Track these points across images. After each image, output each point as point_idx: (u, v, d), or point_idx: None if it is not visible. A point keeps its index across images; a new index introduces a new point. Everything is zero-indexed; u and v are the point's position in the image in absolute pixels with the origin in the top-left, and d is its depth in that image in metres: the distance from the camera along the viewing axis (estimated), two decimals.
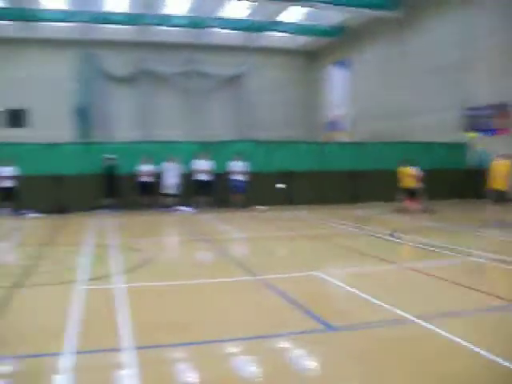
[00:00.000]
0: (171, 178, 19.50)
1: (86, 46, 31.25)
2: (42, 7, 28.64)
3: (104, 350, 5.09)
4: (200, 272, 9.12)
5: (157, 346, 5.20)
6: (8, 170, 18.64)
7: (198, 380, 4.51)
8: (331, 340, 5.41)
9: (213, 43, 32.43)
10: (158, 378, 4.47)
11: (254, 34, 32.99)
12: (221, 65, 32.97)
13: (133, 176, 19.63)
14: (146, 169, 19.73)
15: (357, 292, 7.11)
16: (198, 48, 32.45)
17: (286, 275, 8.34)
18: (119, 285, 7.69)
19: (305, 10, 30.66)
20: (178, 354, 5.14)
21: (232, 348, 5.26)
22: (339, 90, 34.64)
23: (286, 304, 6.68)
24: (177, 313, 6.48)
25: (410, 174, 18.03)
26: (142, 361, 4.74)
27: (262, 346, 5.27)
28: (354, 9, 27.45)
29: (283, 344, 5.35)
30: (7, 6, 27.65)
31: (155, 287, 7.89)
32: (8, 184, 18.51)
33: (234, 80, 34.42)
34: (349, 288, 7.42)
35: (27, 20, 29.03)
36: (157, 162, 19.76)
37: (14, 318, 6.31)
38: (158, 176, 19.71)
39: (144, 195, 19.69)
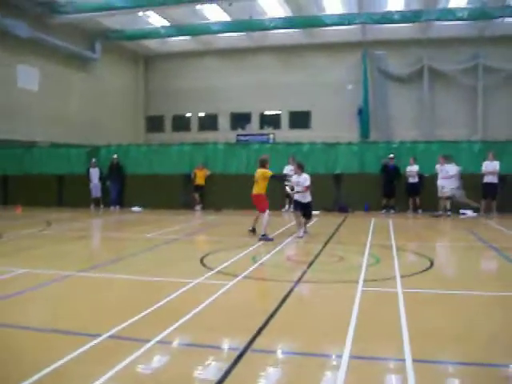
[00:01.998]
0: (447, 179, 18.52)
1: (367, 47, 31.61)
2: (322, 13, 29.71)
3: (377, 358, 4.93)
4: (482, 282, 8.44)
5: (434, 362, 4.86)
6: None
7: None
8: None
9: (497, 35, 29.96)
10: None
11: None
12: (507, 58, 30.35)
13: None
14: (410, 169, 19.52)
15: None
16: (481, 41, 30.38)
17: None
18: (399, 289, 7.46)
19: None
20: (452, 371, 4.74)
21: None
22: None
23: None
24: (456, 325, 6.01)
25: None
26: (418, 374, 4.44)
27: None
28: None
29: None
30: (290, 15, 29.33)
31: (437, 295, 7.47)
32: None
33: None
34: None
35: (311, 26, 30.43)
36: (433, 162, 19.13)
37: (295, 312, 6.54)
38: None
39: (411, 196, 19.63)
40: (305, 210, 13.38)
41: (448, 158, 18.58)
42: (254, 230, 13.45)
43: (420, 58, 31.50)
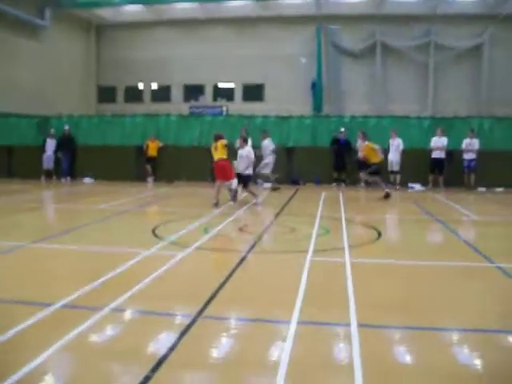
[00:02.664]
0: (394, 154, 19.03)
1: (321, 22, 31.68)
2: None
3: (324, 323, 5.15)
4: (427, 252, 8.80)
5: (377, 326, 5.11)
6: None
7: (412, 363, 4.35)
8: None
9: (449, 13, 30.47)
10: (375, 356, 4.37)
11: (494, 1, 30.31)
12: (458, 36, 30.94)
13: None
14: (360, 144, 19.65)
15: None
16: (434, 19, 30.83)
17: None
18: (346, 259, 7.71)
19: None
20: (396, 335, 5.00)
21: (452, 337, 4.96)
22: None
23: None
24: (399, 293, 6.30)
25: None
26: (362, 338, 4.67)
27: (488, 340, 4.89)
28: None
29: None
30: None
31: (383, 265, 7.76)
32: None
33: (472, 52, 32.11)
34: None
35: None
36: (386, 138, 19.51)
37: (245, 281, 6.71)
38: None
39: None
40: (244, 182, 13.97)
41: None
42: (217, 204, 13.40)
43: (373, 34, 31.75)
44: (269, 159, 18.85)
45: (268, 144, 19.10)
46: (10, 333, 4.65)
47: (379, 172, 16.31)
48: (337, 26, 31.81)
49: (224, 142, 13.73)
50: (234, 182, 13.62)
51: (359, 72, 31.99)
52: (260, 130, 20.17)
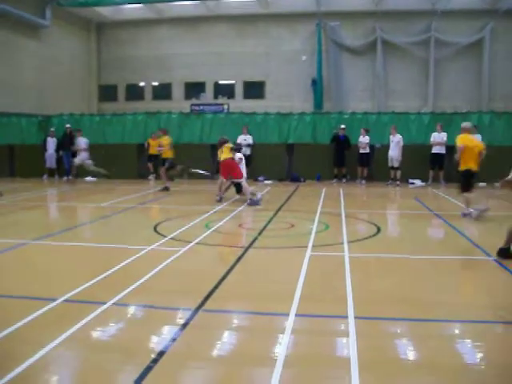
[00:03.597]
0: (394, 150, 19.08)
1: (321, 18, 31.69)
2: None
3: (323, 316, 5.23)
4: (426, 247, 8.87)
5: (375, 318, 5.19)
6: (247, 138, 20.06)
7: (412, 357, 4.42)
8: None
9: (450, 9, 30.44)
10: (372, 349, 4.45)
11: None
12: (458, 32, 30.93)
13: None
14: (364, 140, 19.74)
15: None
16: (434, 15, 30.81)
17: None
18: (346, 254, 7.79)
19: None
20: (396, 328, 5.07)
21: (454, 330, 5.05)
22: None
23: None
24: (398, 287, 6.38)
25: None
26: (359, 331, 4.75)
27: (488, 331, 4.97)
28: None
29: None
30: None
31: (382, 259, 7.83)
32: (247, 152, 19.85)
33: (472, 47, 32.10)
34: None
35: None
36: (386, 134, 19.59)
37: (245, 275, 6.80)
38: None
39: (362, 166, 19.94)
40: (237, 186, 14.40)
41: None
42: (221, 200, 13.78)
43: (373, 30, 31.76)
44: None
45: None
46: (11, 328, 4.73)
47: None
48: (337, 22, 31.82)
49: (229, 145, 14.16)
50: (243, 181, 13.92)
51: (360, 68, 32.00)
52: (259, 127, 20.29)
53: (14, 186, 18.64)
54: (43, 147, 21.76)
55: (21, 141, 22.77)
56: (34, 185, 19.36)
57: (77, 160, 20.02)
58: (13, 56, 27.69)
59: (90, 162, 19.80)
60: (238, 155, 14.59)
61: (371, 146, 19.82)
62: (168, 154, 17.04)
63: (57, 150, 21.75)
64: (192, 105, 33.79)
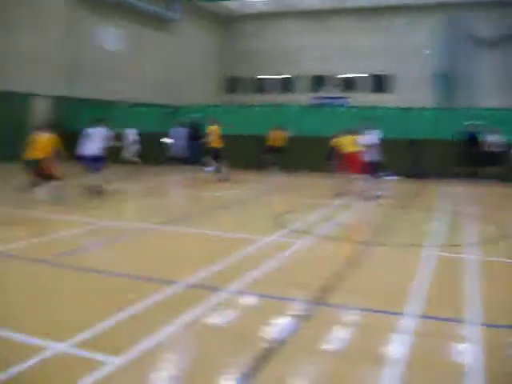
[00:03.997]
0: None
1: (450, 10, 30.42)
2: None
3: (445, 319, 4.98)
4: None
5: (502, 326, 4.87)
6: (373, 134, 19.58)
7: None
8: None
9: None
10: (500, 360, 4.17)
11: None
12: None
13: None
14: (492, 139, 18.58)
15: None
16: None
17: None
18: (471, 256, 7.41)
19: None
20: None
21: None
22: None
23: None
24: None
25: None
26: (486, 338, 4.48)
27: None
28: None
29: None
30: None
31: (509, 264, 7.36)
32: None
33: None
34: None
35: None
36: None
37: (364, 271, 6.64)
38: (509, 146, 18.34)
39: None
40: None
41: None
42: (340, 195, 13.30)
43: (509, 22, 30.00)
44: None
45: None
46: (132, 309, 4.92)
47: None
48: (467, 13, 30.40)
49: (353, 137, 13.46)
50: (366, 177, 13.38)
51: (492, 61, 30.36)
52: (379, 121, 19.84)
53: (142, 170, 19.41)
54: (170, 136, 22.44)
55: (151, 129, 23.66)
56: (162, 172, 20.10)
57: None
58: (146, 49, 29.05)
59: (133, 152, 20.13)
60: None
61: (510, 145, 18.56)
62: (216, 143, 17.17)
63: (187, 139, 22.30)
64: (314, 98, 33.80)
